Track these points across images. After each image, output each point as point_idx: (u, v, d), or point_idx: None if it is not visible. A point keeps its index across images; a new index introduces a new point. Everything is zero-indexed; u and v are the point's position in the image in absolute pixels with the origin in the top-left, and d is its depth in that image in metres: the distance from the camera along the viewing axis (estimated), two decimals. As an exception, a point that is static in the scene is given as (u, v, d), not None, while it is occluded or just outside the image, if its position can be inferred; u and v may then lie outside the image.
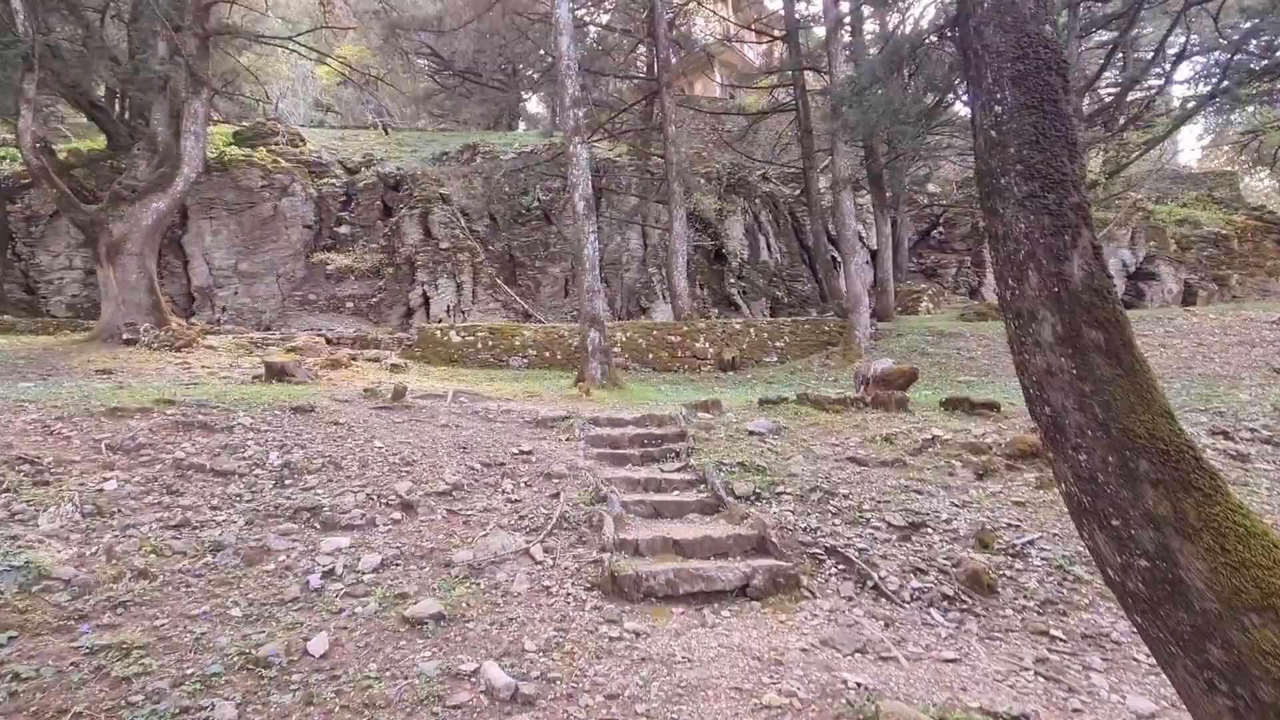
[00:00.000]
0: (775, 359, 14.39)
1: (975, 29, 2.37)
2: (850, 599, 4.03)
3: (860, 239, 18.70)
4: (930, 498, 5.26)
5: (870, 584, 4.14)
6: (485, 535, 4.44)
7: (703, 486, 5.48)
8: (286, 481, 4.84)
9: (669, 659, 3.25)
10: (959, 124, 15.98)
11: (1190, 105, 18.55)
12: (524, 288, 20.35)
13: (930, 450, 6.35)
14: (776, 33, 21.34)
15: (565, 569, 4.13)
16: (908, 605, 3.97)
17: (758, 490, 5.31)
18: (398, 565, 3.97)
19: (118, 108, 17.54)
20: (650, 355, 14.32)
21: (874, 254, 19.85)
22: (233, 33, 15.04)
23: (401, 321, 18.48)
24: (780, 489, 5.35)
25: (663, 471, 5.90)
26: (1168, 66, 16.99)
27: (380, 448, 5.62)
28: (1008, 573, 4.31)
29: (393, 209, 20.93)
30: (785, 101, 19.97)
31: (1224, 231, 26.19)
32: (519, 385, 10.85)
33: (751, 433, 6.77)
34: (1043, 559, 4.47)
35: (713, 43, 25.19)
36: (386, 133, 26.38)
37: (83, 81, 15.07)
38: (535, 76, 24.75)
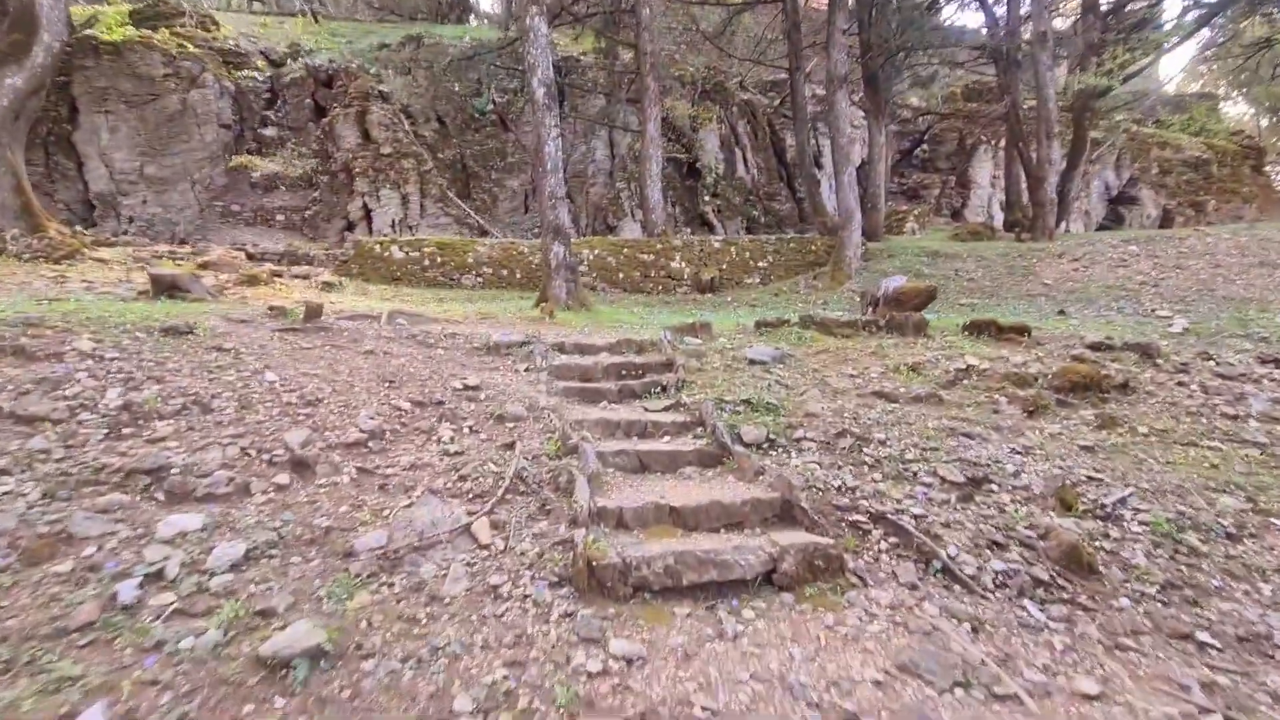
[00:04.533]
0: (758, 280, 13.14)
1: None
2: (914, 587, 2.95)
3: (848, 151, 17.15)
4: (984, 443, 4.19)
5: (937, 566, 3.06)
6: (409, 505, 3.18)
7: (700, 430, 4.29)
8: (124, 430, 3.43)
9: (680, 710, 2.12)
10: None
11: (1202, 13, 17.29)
12: (479, 202, 18.36)
13: (966, 383, 5.28)
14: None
15: (522, 555, 2.93)
16: (993, 596, 2.92)
17: (771, 435, 4.15)
18: (272, 558, 2.69)
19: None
20: (621, 275, 12.90)
21: (858, 169, 18.42)
22: None
23: (340, 236, 16.45)
24: (799, 433, 4.20)
25: (648, 411, 4.68)
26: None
27: (273, 382, 4.21)
28: (1106, 545, 3.28)
29: (325, 108, 18.35)
30: (770, -8, 17.75)
31: (1204, 156, 25.58)
32: (471, 306, 9.38)
33: (752, 361, 5.58)
34: (1142, 523, 3.46)
35: (689, -76, 22.28)
36: (316, 20, 23.05)
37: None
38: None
